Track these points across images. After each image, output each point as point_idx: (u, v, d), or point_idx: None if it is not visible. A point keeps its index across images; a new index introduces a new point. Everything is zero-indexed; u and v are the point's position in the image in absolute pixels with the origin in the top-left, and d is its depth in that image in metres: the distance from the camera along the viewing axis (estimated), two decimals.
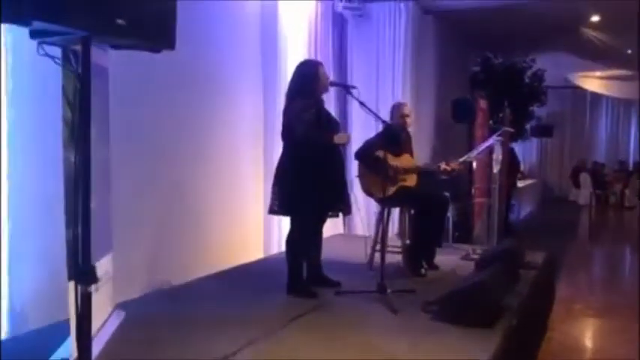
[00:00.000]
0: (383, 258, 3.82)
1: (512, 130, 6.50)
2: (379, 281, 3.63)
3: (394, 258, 4.46)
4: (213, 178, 4.61)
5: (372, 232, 4.65)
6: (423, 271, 4.39)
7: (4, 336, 2.90)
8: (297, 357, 2.70)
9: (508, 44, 9.92)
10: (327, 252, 4.12)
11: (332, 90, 4.37)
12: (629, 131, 17.34)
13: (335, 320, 3.27)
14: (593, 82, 14.61)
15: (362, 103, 3.72)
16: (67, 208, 2.16)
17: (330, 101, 4.50)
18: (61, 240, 2.18)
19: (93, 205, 2.06)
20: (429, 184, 4.66)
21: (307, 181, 3.58)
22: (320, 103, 3.77)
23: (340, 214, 4.06)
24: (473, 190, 6.20)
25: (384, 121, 3.91)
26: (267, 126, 5.29)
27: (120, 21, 1.96)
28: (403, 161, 4.46)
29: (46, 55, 2.06)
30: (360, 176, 4.42)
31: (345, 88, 4.33)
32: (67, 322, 2.14)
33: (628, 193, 14.83)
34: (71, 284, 2.02)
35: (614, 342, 4.48)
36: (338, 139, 3.65)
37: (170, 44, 2.21)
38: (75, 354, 2.03)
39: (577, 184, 15.17)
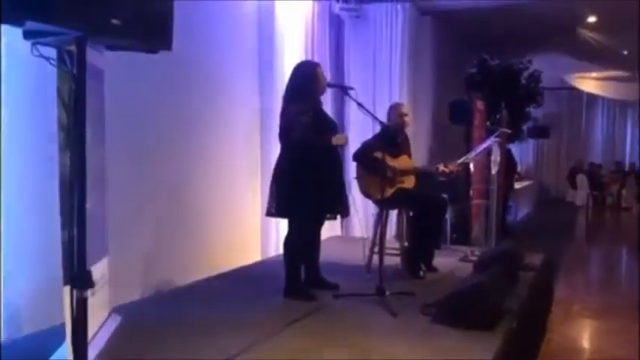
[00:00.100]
0: (381, 260, 3.80)
1: (509, 131, 6.48)
2: (378, 284, 3.60)
3: (392, 260, 4.44)
4: (209, 179, 4.59)
5: (370, 234, 4.62)
6: (421, 273, 4.37)
7: None
8: None
9: (505, 45, 9.93)
10: (325, 254, 4.09)
11: (329, 91, 4.35)
12: (625, 132, 17.42)
13: (334, 323, 3.24)
14: (590, 83, 14.66)
15: (360, 104, 3.70)
16: (63, 210, 2.13)
17: (326, 102, 4.48)
18: (57, 243, 2.15)
19: (88, 207, 2.03)
20: (427, 186, 4.65)
21: (305, 183, 3.56)
22: (318, 105, 3.75)
23: (338, 217, 4.03)
24: (471, 192, 6.18)
25: (381, 122, 3.89)
26: (264, 127, 5.27)
27: (115, 21, 1.93)
28: (401, 162, 4.44)
29: (41, 56, 2.03)
30: (358, 178, 4.40)
31: (342, 90, 4.31)
32: (62, 326, 2.12)
33: (625, 193, 14.86)
34: (66, 289, 1.99)
35: (613, 343, 4.47)
36: (336, 140, 3.63)
37: (167, 45, 2.18)
38: (71, 359, 2.00)
39: (574, 185, 15.20)
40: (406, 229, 4.57)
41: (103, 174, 2.62)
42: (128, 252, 3.57)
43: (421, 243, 4.47)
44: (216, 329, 3.07)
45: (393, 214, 4.96)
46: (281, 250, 3.98)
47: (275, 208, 3.70)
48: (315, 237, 3.92)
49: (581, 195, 14.78)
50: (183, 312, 3.40)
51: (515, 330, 3.16)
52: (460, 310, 3.15)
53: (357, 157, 4.40)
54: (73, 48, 2.00)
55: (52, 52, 2.09)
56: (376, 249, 4.40)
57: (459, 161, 4.74)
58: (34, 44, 2.01)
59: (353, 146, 4.52)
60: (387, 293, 3.57)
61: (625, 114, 17.25)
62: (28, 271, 2.96)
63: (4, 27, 2.15)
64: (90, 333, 2.16)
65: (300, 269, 3.79)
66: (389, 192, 4.23)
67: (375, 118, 3.81)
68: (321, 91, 3.78)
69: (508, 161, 8.11)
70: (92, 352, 2.24)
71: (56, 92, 2.13)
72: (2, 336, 2.87)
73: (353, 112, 6.17)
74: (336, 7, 6.41)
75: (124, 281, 3.39)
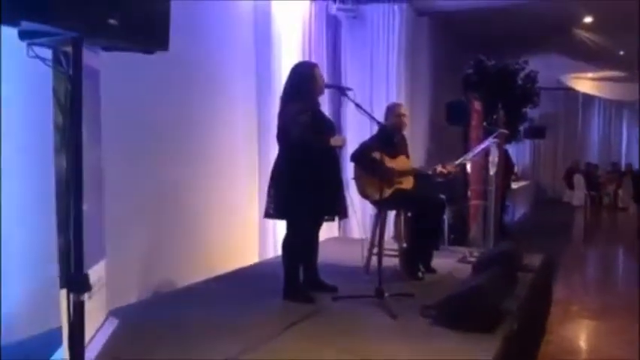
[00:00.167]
0: (380, 261, 3.78)
1: (507, 131, 6.48)
2: (377, 285, 3.58)
3: (391, 261, 4.42)
4: (207, 180, 4.56)
5: (367, 234, 4.61)
6: (420, 274, 4.35)
7: None
8: None
9: (501, 46, 9.95)
10: (323, 255, 4.07)
11: (326, 92, 4.31)
12: (621, 132, 17.49)
13: (333, 326, 3.22)
14: (586, 83, 14.69)
15: (358, 105, 3.68)
16: (59, 213, 2.10)
17: (324, 103, 4.46)
18: (53, 246, 2.12)
19: (85, 209, 2.01)
20: (425, 187, 4.63)
21: (303, 184, 3.53)
22: (316, 106, 3.73)
23: (336, 218, 4.01)
24: (469, 193, 6.18)
25: (379, 122, 3.88)
26: (262, 128, 5.25)
27: (112, 21, 1.91)
28: (399, 163, 4.42)
29: (36, 56, 2.01)
30: (356, 178, 4.38)
31: (340, 90, 4.30)
32: (59, 329, 2.09)
33: (621, 193, 14.90)
34: (63, 292, 1.97)
35: (612, 343, 4.46)
36: (334, 141, 3.61)
37: (163, 45, 2.16)
38: None
39: (571, 186, 15.23)
40: (404, 230, 4.56)
41: (100, 175, 2.60)
42: (125, 254, 3.54)
43: (420, 244, 4.45)
44: (214, 332, 3.04)
45: (391, 215, 4.95)
46: (279, 252, 3.96)
47: (273, 210, 3.67)
48: (314, 238, 3.90)
49: (578, 195, 14.81)
50: (181, 314, 3.37)
51: (516, 331, 3.15)
52: (460, 312, 3.13)
53: (355, 157, 4.38)
54: (68, 49, 1.98)
55: (47, 53, 2.07)
56: (375, 250, 4.38)
57: (457, 162, 4.73)
58: (29, 45, 1.99)
59: (350, 147, 4.50)
60: (387, 295, 3.55)
61: (621, 114, 17.31)
62: (23, 274, 2.93)
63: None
64: (87, 336, 2.15)
65: (299, 271, 3.77)
66: (387, 192, 4.21)
67: (373, 119, 3.80)
68: (319, 92, 3.76)
69: (505, 162, 8.12)
70: (89, 355, 2.22)
71: (52, 93, 2.10)
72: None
73: (350, 113, 6.16)
74: (333, 8, 6.39)
75: (121, 284, 3.37)
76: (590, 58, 11.10)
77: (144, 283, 3.86)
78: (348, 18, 6.55)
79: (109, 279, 2.77)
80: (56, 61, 2.07)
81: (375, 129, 4.05)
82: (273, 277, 3.90)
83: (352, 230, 6.25)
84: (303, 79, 3.68)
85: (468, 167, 5.72)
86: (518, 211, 11.57)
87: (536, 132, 13.89)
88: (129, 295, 3.65)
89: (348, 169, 4.49)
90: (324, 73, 5.61)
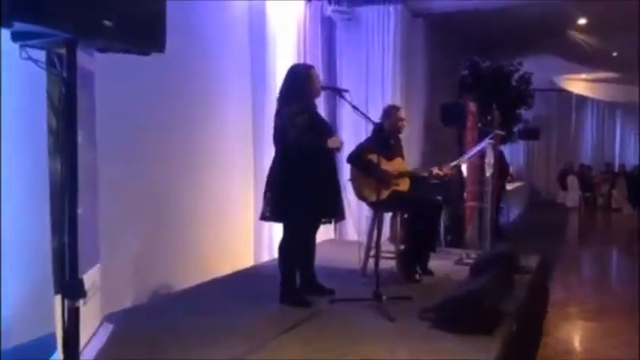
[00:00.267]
0: (377, 264, 3.75)
1: (503, 133, 6.48)
2: (374, 288, 3.56)
3: (387, 264, 4.40)
4: (202, 183, 4.53)
5: (363, 237, 4.58)
6: (417, 276, 4.33)
7: None
8: None
9: (496, 47, 9.96)
10: (319, 258, 4.04)
11: (321, 93, 4.30)
12: (614, 133, 17.54)
13: (331, 330, 3.19)
14: (579, 84, 14.73)
15: (355, 107, 3.66)
16: (53, 216, 2.07)
17: (319, 105, 4.43)
18: (48, 250, 2.09)
19: (80, 212, 1.98)
20: (420, 189, 4.62)
21: (300, 186, 3.51)
22: (313, 107, 3.71)
23: (333, 220, 3.99)
24: (465, 194, 6.17)
25: (376, 123, 3.86)
26: (257, 129, 5.22)
27: (107, 22, 1.87)
28: (395, 165, 4.41)
29: (29, 58, 1.98)
30: (353, 180, 4.36)
31: (337, 92, 4.27)
32: (54, 335, 2.06)
33: (615, 194, 14.94)
34: (58, 298, 1.93)
35: (608, 344, 4.45)
36: (331, 143, 3.59)
37: (160, 46, 2.13)
38: None
39: (564, 187, 15.25)
40: (401, 231, 4.54)
41: (95, 178, 2.57)
42: (119, 258, 3.51)
43: (416, 246, 4.43)
44: (210, 336, 3.02)
45: (387, 217, 4.93)
46: (274, 255, 3.93)
47: (270, 212, 3.64)
48: (311, 241, 3.87)
49: (572, 196, 14.84)
50: (177, 319, 3.33)
51: (515, 333, 3.13)
52: (458, 315, 3.12)
53: (351, 159, 4.36)
54: (62, 51, 1.95)
55: (40, 55, 2.04)
56: (371, 252, 4.36)
57: (453, 163, 4.72)
58: (22, 46, 1.96)
59: (347, 148, 4.48)
60: (384, 298, 3.53)
61: (614, 115, 17.37)
62: (17, 279, 2.88)
63: None
64: (82, 342, 2.11)
65: (296, 275, 3.74)
66: (384, 194, 4.19)
67: (370, 120, 3.78)
68: (315, 93, 3.75)
69: (500, 163, 8.12)
70: None
71: (46, 95, 2.07)
72: None
73: (345, 115, 6.14)
74: (328, 10, 6.37)
75: (115, 288, 3.33)
76: (583, 59, 11.13)
77: (138, 287, 3.82)
78: (343, 19, 6.52)
79: (104, 283, 2.73)
80: (50, 63, 2.03)
81: (370, 128, 4.03)
82: (269, 281, 3.88)
83: (348, 232, 6.23)
84: (298, 80, 3.67)
85: (464, 169, 5.71)
86: (512, 212, 11.58)
87: (531, 133, 13.91)
88: (123, 299, 3.61)
89: (345, 171, 4.47)
90: (320, 74, 5.59)
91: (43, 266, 2.19)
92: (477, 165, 6.15)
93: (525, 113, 12.20)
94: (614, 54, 10.71)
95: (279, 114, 3.63)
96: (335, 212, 3.76)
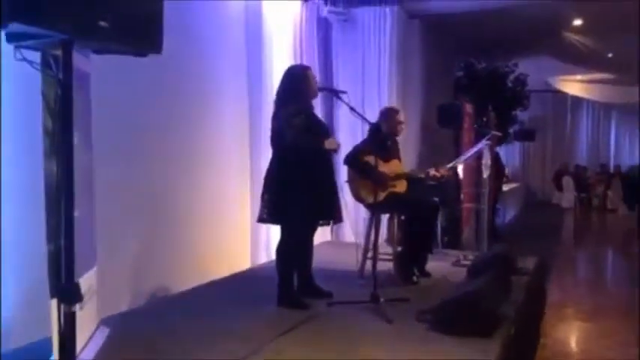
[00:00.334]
0: (374, 266, 3.74)
1: (500, 134, 6.49)
2: (372, 290, 3.54)
3: (385, 265, 4.38)
4: (198, 184, 4.50)
5: (360, 238, 4.57)
6: (414, 278, 4.32)
7: None
8: None
9: (491, 48, 9.96)
10: (316, 260, 4.01)
11: (318, 94, 4.29)
12: (609, 134, 17.61)
13: (329, 332, 3.18)
14: (574, 85, 14.76)
15: (352, 109, 3.65)
16: (49, 219, 2.05)
17: (315, 106, 4.42)
18: (44, 253, 2.07)
19: (76, 215, 1.96)
20: (417, 190, 4.61)
21: (298, 188, 3.49)
22: (310, 108, 3.70)
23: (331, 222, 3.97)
24: (462, 195, 6.16)
25: (374, 124, 3.85)
26: (253, 130, 5.20)
27: (103, 23, 1.86)
28: (392, 167, 4.40)
29: (24, 59, 1.96)
30: (350, 181, 4.35)
31: (334, 93, 4.26)
32: (49, 339, 2.03)
33: (610, 195, 14.99)
34: (54, 302, 1.91)
35: (604, 345, 4.46)
36: (329, 144, 3.58)
37: (156, 47, 2.11)
38: None
39: (560, 188, 15.29)
40: (398, 233, 4.52)
41: (91, 180, 2.54)
42: (116, 261, 3.48)
43: (414, 247, 4.42)
44: (207, 339, 3.00)
45: (384, 219, 4.91)
46: (272, 257, 3.91)
47: (267, 214, 3.62)
48: (308, 243, 3.86)
49: (567, 197, 14.88)
50: (174, 322, 3.31)
51: (513, 336, 3.13)
52: (456, 317, 3.10)
53: (348, 161, 4.34)
54: (58, 52, 1.93)
55: (35, 56, 2.02)
56: (369, 254, 4.34)
57: (450, 165, 4.71)
58: (17, 47, 1.94)
59: (344, 150, 4.46)
60: (382, 300, 3.52)
61: (609, 116, 17.43)
62: (13, 283, 2.86)
63: None
64: (78, 346, 2.09)
65: (294, 277, 3.72)
66: (381, 196, 4.18)
67: (367, 122, 3.77)
68: (312, 95, 3.74)
69: (496, 164, 8.13)
70: None
71: (41, 97, 2.05)
72: None
73: (342, 116, 6.13)
74: (324, 10, 6.36)
75: (111, 291, 3.31)
76: (579, 60, 11.14)
77: (135, 290, 3.79)
78: (339, 21, 6.52)
79: (100, 287, 2.71)
80: (45, 64, 2.01)
81: (367, 129, 4.02)
82: (266, 283, 3.85)
83: (344, 234, 6.21)
84: (296, 81, 3.65)
85: (460, 170, 5.71)
86: (508, 213, 11.60)
87: (526, 134, 13.94)
88: (119, 303, 3.58)
89: (342, 173, 4.46)
90: (316, 75, 5.59)
91: (39, 269, 2.17)
92: (473, 166, 6.15)
93: (521, 114, 12.24)
94: (610, 55, 10.73)
95: (276, 116, 3.62)
96: (332, 214, 3.75)
